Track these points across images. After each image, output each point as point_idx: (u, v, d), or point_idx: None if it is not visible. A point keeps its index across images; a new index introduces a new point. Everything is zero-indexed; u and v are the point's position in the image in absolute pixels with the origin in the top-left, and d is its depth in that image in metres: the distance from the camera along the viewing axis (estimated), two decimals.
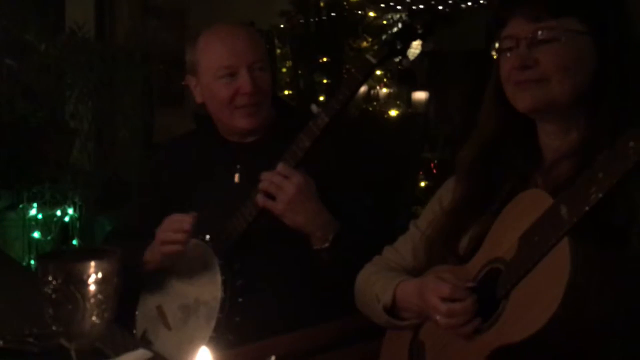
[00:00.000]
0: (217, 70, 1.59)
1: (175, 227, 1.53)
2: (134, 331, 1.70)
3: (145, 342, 1.63)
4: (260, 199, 1.51)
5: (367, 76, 1.54)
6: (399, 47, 1.47)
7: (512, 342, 0.97)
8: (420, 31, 1.46)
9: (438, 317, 1.10)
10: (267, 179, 1.49)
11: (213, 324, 1.53)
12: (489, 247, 1.11)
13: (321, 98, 2.96)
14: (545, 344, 0.94)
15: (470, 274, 1.11)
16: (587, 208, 0.88)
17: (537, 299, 0.94)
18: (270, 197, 1.50)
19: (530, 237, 0.98)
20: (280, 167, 1.48)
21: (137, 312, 1.72)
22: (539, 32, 1.07)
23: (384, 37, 3.08)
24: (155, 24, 3.84)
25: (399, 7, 4.05)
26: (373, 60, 1.49)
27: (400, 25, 1.49)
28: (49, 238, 3.26)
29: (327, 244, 1.48)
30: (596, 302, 0.91)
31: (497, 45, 1.16)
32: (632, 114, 1.03)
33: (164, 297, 1.68)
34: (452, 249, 1.19)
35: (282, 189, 1.46)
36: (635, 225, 0.97)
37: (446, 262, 1.20)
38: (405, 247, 1.35)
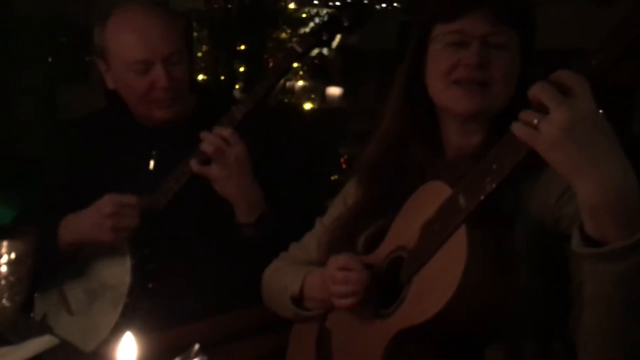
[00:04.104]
0: (130, 64, 1.50)
1: (127, 212, 1.47)
2: (32, 315, 1.62)
3: (43, 327, 1.55)
4: (194, 164, 1.46)
5: (291, 64, 1.55)
6: (324, 38, 1.50)
7: (413, 325, 1.01)
8: (346, 24, 1.49)
9: (332, 287, 1.13)
10: (210, 141, 1.44)
11: (120, 309, 1.50)
12: (393, 236, 1.15)
13: (237, 86, 2.93)
14: (445, 327, 0.99)
15: (376, 262, 1.15)
16: (482, 197, 0.93)
17: (437, 283, 0.99)
18: (204, 162, 1.46)
19: (431, 226, 1.03)
20: (227, 132, 1.43)
21: (35, 295, 1.64)
22: (494, 36, 1.09)
23: (302, 30, 3.12)
24: None
25: (315, 2, 4.07)
26: (299, 49, 1.50)
27: (327, 17, 1.52)
28: None
29: (251, 220, 1.47)
30: (492, 285, 0.96)
31: (432, 37, 1.14)
32: None
33: (67, 279, 1.61)
34: (351, 248, 1.21)
35: (223, 154, 1.43)
36: (520, 212, 1.04)
37: None
38: (311, 244, 1.37)
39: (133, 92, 1.55)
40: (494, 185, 0.92)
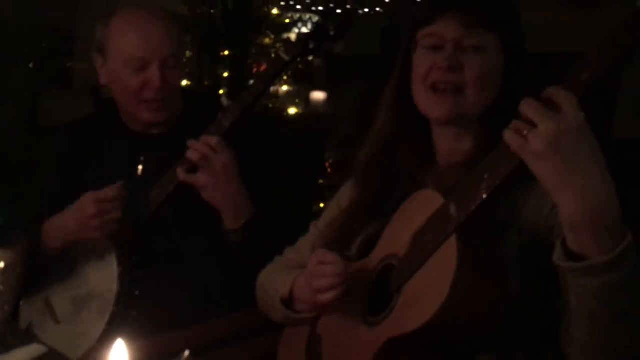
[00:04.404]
0: (128, 60, 1.52)
1: (109, 207, 1.45)
2: (18, 324, 1.61)
3: (29, 336, 1.54)
4: (181, 173, 1.46)
5: (279, 72, 1.56)
6: (311, 46, 1.51)
7: (404, 333, 1.00)
8: (332, 33, 1.50)
9: (312, 283, 1.13)
10: (197, 149, 1.44)
11: (107, 317, 1.49)
12: (384, 244, 1.15)
13: (221, 92, 2.93)
14: (435, 336, 0.98)
15: (367, 269, 1.15)
16: (473, 207, 0.94)
17: (427, 292, 0.99)
18: (191, 170, 1.46)
19: (421, 234, 1.03)
20: (214, 140, 1.44)
21: (21, 303, 1.62)
22: (469, 38, 1.09)
23: (286, 35, 3.13)
24: None
25: (298, 7, 4.10)
26: (286, 58, 1.51)
27: (314, 26, 1.53)
28: None
29: (237, 226, 1.48)
30: (482, 294, 0.96)
31: (416, 41, 1.15)
32: None
33: (53, 287, 1.60)
34: (344, 252, 1.21)
35: (210, 162, 1.43)
36: (514, 218, 1.04)
37: None
38: (305, 248, 1.37)
39: (125, 89, 1.55)
40: (484, 196, 0.92)
